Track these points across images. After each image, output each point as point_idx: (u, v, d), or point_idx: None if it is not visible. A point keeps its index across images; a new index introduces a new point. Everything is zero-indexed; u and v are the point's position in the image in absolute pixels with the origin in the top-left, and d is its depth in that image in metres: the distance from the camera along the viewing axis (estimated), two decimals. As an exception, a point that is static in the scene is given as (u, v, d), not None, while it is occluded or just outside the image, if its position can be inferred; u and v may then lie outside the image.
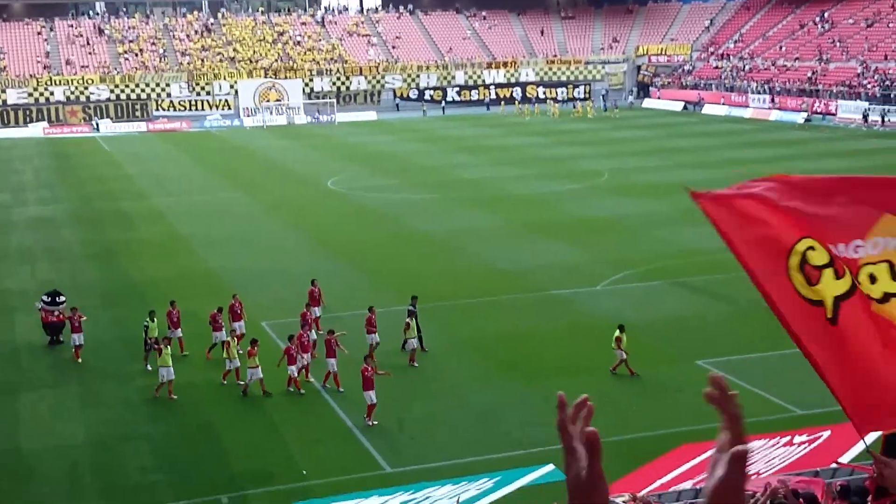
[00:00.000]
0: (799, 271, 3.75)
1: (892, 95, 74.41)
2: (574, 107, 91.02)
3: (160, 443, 21.27)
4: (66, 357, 26.31)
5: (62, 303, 27.59)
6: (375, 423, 21.40)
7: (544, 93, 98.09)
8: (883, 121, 71.48)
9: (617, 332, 24.10)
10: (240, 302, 27.23)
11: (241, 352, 24.97)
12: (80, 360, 25.84)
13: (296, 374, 23.41)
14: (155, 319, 25.68)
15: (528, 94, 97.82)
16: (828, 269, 3.74)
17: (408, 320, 25.27)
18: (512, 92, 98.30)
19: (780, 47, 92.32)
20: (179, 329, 26.08)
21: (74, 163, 66.54)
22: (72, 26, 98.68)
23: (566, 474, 2.41)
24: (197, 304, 30.83)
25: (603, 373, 23.89)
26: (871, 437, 4.30)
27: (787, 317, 3.72)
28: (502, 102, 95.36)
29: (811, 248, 3.71)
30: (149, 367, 24.93)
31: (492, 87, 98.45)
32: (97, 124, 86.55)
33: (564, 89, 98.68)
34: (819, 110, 78.93)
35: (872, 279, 3.73)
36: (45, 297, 27.85)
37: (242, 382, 23.61)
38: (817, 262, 3.72)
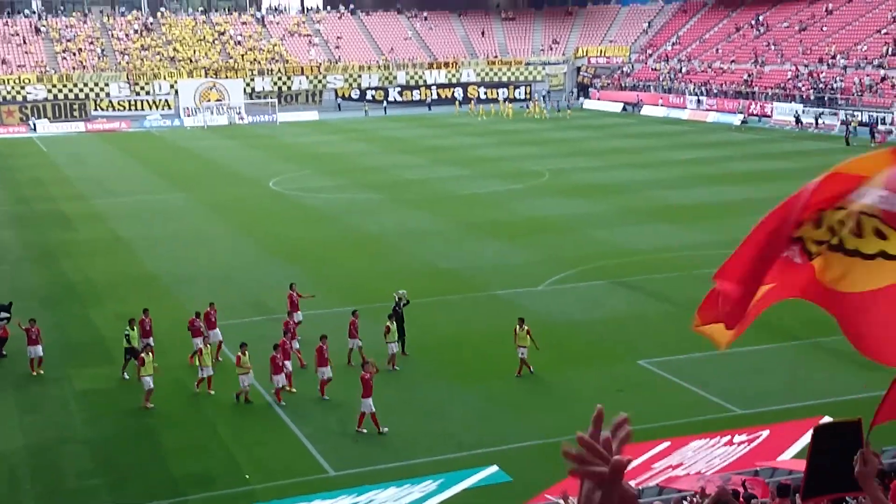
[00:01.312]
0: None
1: (825, 98, 75.94)
2: (527, 107, 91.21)
3: (99, 447, 21.00)
4: (2, 363, 25.78)
5: (3, 319, 26.45)
6: (365, 431, 20.97)
7: (485, 93, 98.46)
8: (817, 123, 72.91)
9: (387, 322, 24.68)
10: (215, 310, 26.57)
11: (220, 360, 24.82)
12: (40, 373, 24.91)
13: (280, 385, 22.74)
14: (136, 328, 24.94)
15: (469, 95, 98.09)
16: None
17: (388, 324, 24.86)
18: (453, 92, 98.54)
19: (717, 50, 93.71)
20: (151, 338, 25.21)
21: (11, 164, 65.33)
22: (7, 24, 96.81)
23: (578, 491, 2.37)
24: (137, 307, 30.47)
25: (545, 373, 24.07)
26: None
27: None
28: (457, 101, 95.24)
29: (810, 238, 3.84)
30: (126, 376, 24.35)
31: (433, 87, 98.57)
32: (34, 124, 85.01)
33: (505, 90, 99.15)
34: (755, 112, 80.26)
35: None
36: None
37: (240, 393, 22.88)
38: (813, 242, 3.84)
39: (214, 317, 26.34)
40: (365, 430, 21.01)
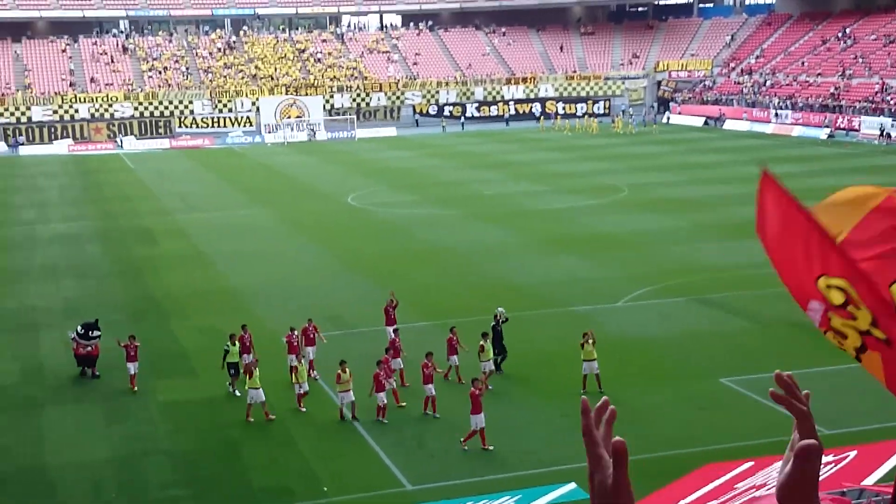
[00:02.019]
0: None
1: (915, 111, 74.00)
2: (613, 122, 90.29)
3: (182, 458, 21.33)
4: (89, 374, 26.32)
5: (95, 338, 26.23)
6: (467, 448, 20.84)
7: (564, 108, 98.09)
8: (905, 136, 71.07)
9: (481, 340, 24.32)
10: (314, 326, 26.34)
11: (317, 377, 24.78)
12: (135, 389, 25.03)
13: (383, 402, 22.42)
14: (236, 343, 24.86)
15: (547, 110, 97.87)
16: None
17: (482, 342, 24.43)
18: (531, 107, 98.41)
19: (802, 63, 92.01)
20: (251, 354, 25.01)
21: (99, 180, 67.03)
22: (96, 44, 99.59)
23: (590, 481, 2.38)
24: (219, 320, 31.00)
25: (626, 389, 23.77)
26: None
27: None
28: (541, 117, 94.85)
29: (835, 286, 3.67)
30: (237, 393, 24.33)
31: (511, 102, 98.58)
32: (121, 141, 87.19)
33: (584, 105, 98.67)
34: (842, 126, 78.55)
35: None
36: (79, 329, 26.54)
37: (342, 410, 22.76)
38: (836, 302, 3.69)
39: (313, 333, 26.03)
40: (467, 448, 20.78)
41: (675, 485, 17.63)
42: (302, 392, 23.39)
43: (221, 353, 26.30)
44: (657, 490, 17.65)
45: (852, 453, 15.40)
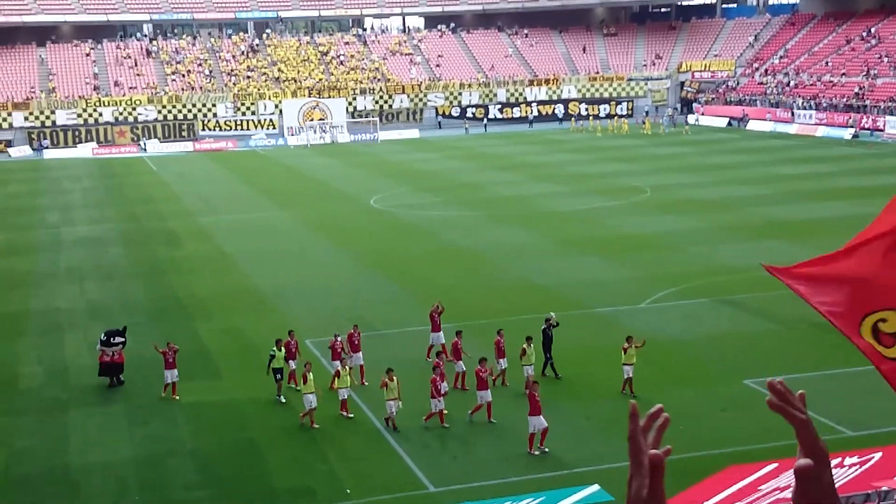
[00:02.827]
0: (872, 336, 3.73)
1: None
2: (642, 122, 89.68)
3: (205, 459, 21.42)
4: (115, 382, 26.34)
5: (117, 344, 25.78)
6: (537, 452, 20.64)
7: (587, 109, 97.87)
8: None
9: (523, 344, 24.03)
10: (359, 332, 25.84)
11: (366, 384, 24.51)
12: (175, 399, 24.63)
13: (438, 408, 21.99)
14: (282, 349, 24.42)
15: (570, 111, 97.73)
16: None
17: (524, 346, 24.05)
18: (554, 109, 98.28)
19: (826, 63, 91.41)
20: (295, 361, 24.80)
21: (122, 182, 67.48)
22: (119, 48, 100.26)
23: (628, 486, 2.39)
24: (243, 321, 31.16)
25: (649, 390, 23.69)
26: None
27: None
28: (573, 118, 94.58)
29: (882, 319, 3.68)
30: (283, 399, 24.11)
31: (534, 104, 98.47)
32: (145, 144, 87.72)
33: (607, 106, 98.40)
34: (867, 126, 77.96)
35: None
36: (102, 337, 26.14)
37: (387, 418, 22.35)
38: (889, 330, 3.70)
39: (358, 339, 25.51)
40: (537, 452, 20.61)
41: (700, 486, 17.55)
42: (343, 398, 22.92)
43: (246, 351, 26.47)
44: (681, 492, 17.58)
45: (877, 455, 15.29)
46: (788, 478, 16.37)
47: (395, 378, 22.05)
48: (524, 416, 21.73)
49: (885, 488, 13.19)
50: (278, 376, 24.28)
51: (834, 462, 16.86)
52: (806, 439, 2.37)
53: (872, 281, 3.68)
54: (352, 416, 23.04)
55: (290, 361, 24.78)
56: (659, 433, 2.39)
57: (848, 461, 15.28)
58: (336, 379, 23.22)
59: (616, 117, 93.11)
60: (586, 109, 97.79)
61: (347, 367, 23.90)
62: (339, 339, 25.10)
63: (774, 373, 24.38)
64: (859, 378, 23.63)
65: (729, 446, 20.35)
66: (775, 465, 16.83)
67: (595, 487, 18.38)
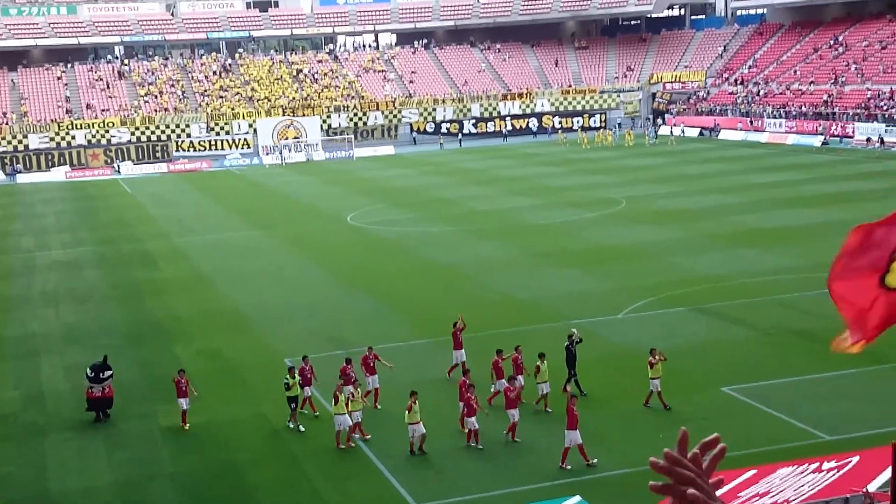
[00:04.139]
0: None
1: (909, 116, 74.24)
2: (625, 134, 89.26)
3: (186, 482, 21.32)
4: (101, 417, 25.89)
5: (106, 378, 24.98)
6: (569, 467, 20.43)
7: (560, 123, 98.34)
8: (901, 142, 71.25)
9: (537, 361, 23.70)
10: (375, 354, 25.20)
11: (379, 407, 24.11)
12: (187, 427, 24.00)
13: (475, 427, 21.67)
14: (296, 376, 23.80)
15: (543, 125, 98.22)
16: None
17: (538, 363, 23.68)
18: (528, 122, 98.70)
19: (795, 71, 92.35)
20: (311, 387, 24.29)
21: (97, 205, 67.14)
22: (91, 70, 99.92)
23: None
24: (221, 341, 31.06)
25: (630, 402, 23.79)
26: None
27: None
28: (560, 131, 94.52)
29: None
30: (301, 428, 23.44)
31: (508, 118, 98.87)
32: (119, 167, 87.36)
33: (580, 119, 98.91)
34: (836, 133, 78.78)
35: None
36: (88, 372, 25.21)
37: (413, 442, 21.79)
38: None
39: (374, 362, 24.89)
40: (569, 466, 20.44)
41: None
42: (354, 423, 22.38)
43: (225, 374, 26.31)
44: (662, 501, 17.66)
45: (854, 459, 15.42)
46: (768, 483, 16.49)
47: (417, 402, 21.60)
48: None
49: (860, 493, 13.31)
50: (293, 405, 23.51)
51: (812, 467, 16.96)
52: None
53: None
54: (368, 436, 22.61)
55: (307, 388, 24.17)
56: (712, 465, 2.35)
57: (826, 465, 15.40)
58: (348, 401, 22.19)
59: (602, 129, 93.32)
60: (560, 123, 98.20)
61: (358, 391, 22.98)
62: (350, 365, 24.13)
63: (753, 380, 24.61)
64: (836, 383, 23.87)
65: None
66: (754, 471, 16.94)
67: (577, 499, 18.43)
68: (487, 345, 26.44)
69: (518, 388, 22.71)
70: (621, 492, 18.75)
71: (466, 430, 21.96)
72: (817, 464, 16.39)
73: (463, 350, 26.21)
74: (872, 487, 13.58)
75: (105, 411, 24.93)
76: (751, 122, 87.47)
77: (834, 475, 14.83)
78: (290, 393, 23.62)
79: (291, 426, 23.52)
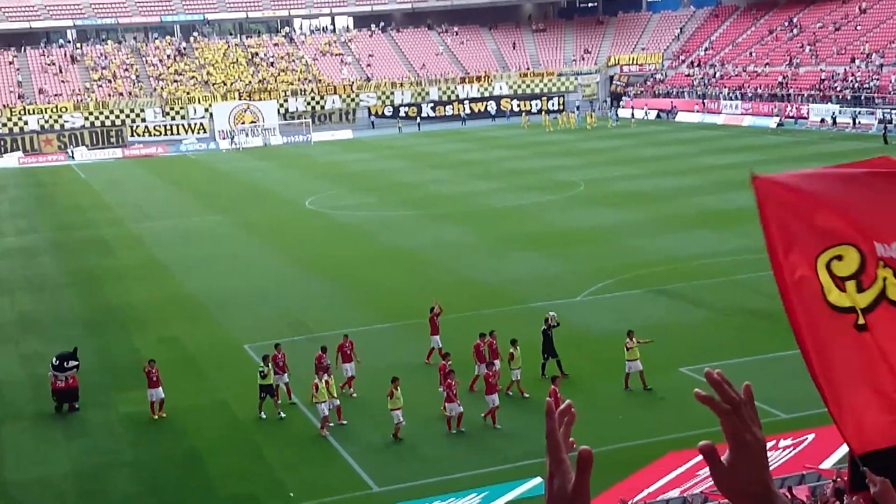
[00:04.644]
0: (827, 273, 3.70)
1: (862, 97, 75.15)
2: (588, 118, 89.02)
3: (145, 470, 21.16)
4: (47, 387, 25.55)
5: (71, 368, 24.53)
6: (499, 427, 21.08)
7: (519, 105, 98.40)
8: (854, 122, 72.14)
9: (510, 348, 23.63)
10: (351, 342, 24.94)
11: (354, 395, 23.87)
12: (164, 415, 23.63)
13: (455, 413, 21.64)
14: (270, 364, 23.52)
15: (502, 108, 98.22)
16: (851, 281, 3.70)
17: (511, 350, 23.59)
18: (486, 106, 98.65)
19: (751, 53, 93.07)
20: (286, 374, 24.02)
21: (51, 192, 66.25)
22: (43, 55, 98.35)
23: (548, 484, 2.41)
24: (179, 329, 30.81)
25: (588, 383, 23.95)
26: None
27: (801, 320, 3.64)
28: (524, 114, 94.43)
29: (838, 256, 3.67)
30: (263, 415, 23.15)
31: (466, 101, 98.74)
32: (72, 152, 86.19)
33: (539, 101, 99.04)
34: (791, 114, 79.57)
35: None
36: (54, 360, 24.74)
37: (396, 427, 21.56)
38: (842, 273, 3.67)
39: (351, 349, 24.71)
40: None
41: (640, 474, 17.81)
42: (328, 411, 22.17)
43: (181, 362, 26.12)
44: (621, 480, 17.83)
45: (810, 436, 15.66)
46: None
47: (398, 388, 21.49)
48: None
49: (815, 471, 13.52)
50: (263, 394, 23.20)
51: (769, 444, 17.19)
52: (729, 428, 2.44)
53: (866, 207, 3.69)
54: (345, 422, 22.50)
55: (283, 375, 23.95)
56: (567, 429, 2.44)
57: (782, 443, 15.62)
58: (315, 391, 22.12)
59: (564, 112, 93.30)
60: (518, 106, 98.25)
61: (324, 381, 22.42)
62: (325, 353, 23.82)
63: (710, 360, 24.84)
64: (794, 362, 24.11)
65: (667, 434, 20.65)
66: (713, 450, 17.08)
67: (537, 480, 18.53)
68: (449, 329, 26.46)
69: (496, 372, 22.69)
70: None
71: (447, 416, 21.86)
72: (773, 441, 16.61)
73: (438, 336, 26.10)
74: (828, 464, 13.78)
75: (72, 403, 24.52)
76: (703, 104, 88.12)
77: (790, 452, 15.05)
78: (264, 381, 23.35)
79: (264, 416, 23.15)
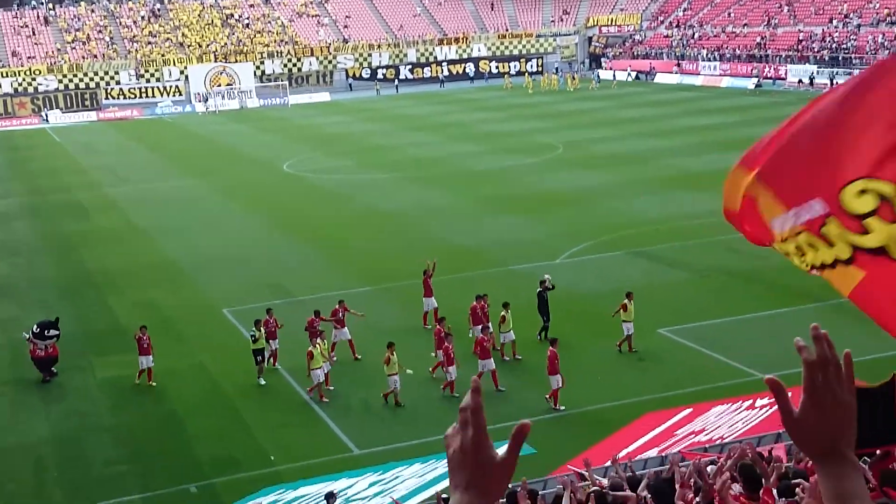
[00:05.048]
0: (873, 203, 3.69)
1: (839, 58, 75.23)
2: (572, 78, 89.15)
3: (125, 434, 21.12)
4: (24, 353, 25.37)
5: (52, 337, 24.16)
6: (563, 408, 20.57)
7: (497, 67, 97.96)
8: (832, 83, 72.23)
9: (502, 311, 23.56)
10: (345, 307, 24.48)
11: (335, 358, 23.54)
12: (153, 384, 23.35)
13: (454, 377, 21.52)
14: (261, 329, 23.33)
15: (480, 70, 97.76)
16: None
17: (503, 313, 23.45)
18: (465, 68, 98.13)
19: (729, 14, 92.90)
20: (276, 340, 23.81)
21: (25, 155, 65.56)
22: (16, 17, 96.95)
23: (453, 450, 2.35)
24: (156, 293, 30.67)
25: (565, 344, 24.01)
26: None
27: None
28: (506, 75, 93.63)
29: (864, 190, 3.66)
30: (262, 382, 23.01)
31: (444, 63, 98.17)
32: (46, 115, 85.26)
33: (517, 63, 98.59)
34: (769, 75, 79.61)
35: None
36: (34, 328, 24.30)
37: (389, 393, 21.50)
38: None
39: (343, 313, 24.25)
40: (563, 408, 20.51)
41: (618, 434, 17.92)
42: (318, 381, 21.94)
43: (159, 326, 26.00)
44: (600, 441, 17.94)
45: (788, 395, 15.82)
46: (703, 421, 16.80)
47: (395, 353, 21.35)
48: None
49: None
50: (258, 358, 23.10)
51: (746, 404, 17.28)
52: (809, 382, 2.42)
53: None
54: (332, 388, 22.38)
55: (272, 341, 23.76)
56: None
57: (759, 402, 15.74)
58: (310, 358, 21.95)
59: (546, 74, 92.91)
60: (496, 67, 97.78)
61: (324, 343, 22.53)
62: (317, 319, 23.62)
63: (688, 321, 24.99)
64: (772, 322, 24.34)
65: (645, 394, 20.79)
66: (689, 410, 17.28)
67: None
68: (437, 292, 26.42)
69: (491, 336, 22.64)
70: (558, 434, 18.98)
71: (449, 380, 21.67)
72: (751, 401, 16.74)
73: (433, 298, 25.98)
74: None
75: (51, 370, 24.32)
76: (680, 65, 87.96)
77: (767, 411, 15.16)
78: (256, 346, 23.22)
79: (263, 382, 23.05)
